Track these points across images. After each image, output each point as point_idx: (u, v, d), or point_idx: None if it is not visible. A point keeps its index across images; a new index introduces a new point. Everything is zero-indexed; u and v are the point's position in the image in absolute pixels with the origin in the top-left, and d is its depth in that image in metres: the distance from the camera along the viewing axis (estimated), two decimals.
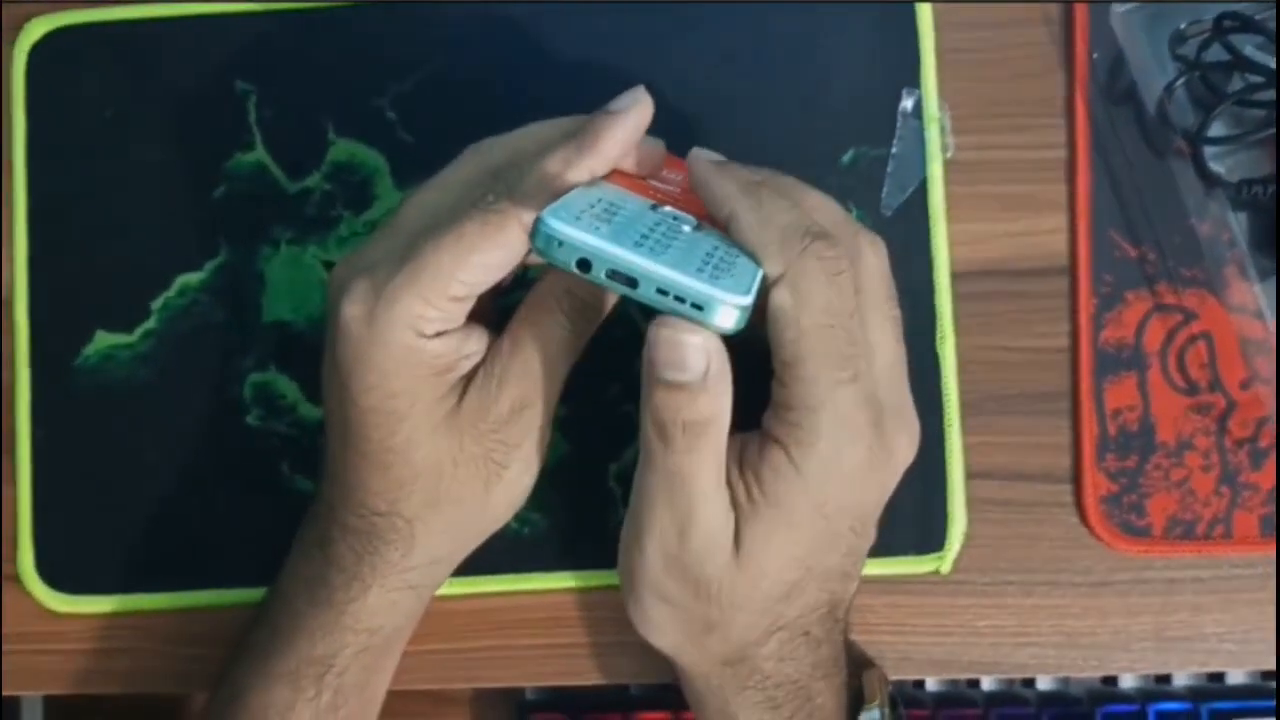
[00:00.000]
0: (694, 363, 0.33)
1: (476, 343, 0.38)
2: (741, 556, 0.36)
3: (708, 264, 0.34)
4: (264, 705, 0.39)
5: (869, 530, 0.38)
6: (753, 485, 0.36)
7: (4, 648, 0.46)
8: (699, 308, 0.32)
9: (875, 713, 0.39)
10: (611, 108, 0.37)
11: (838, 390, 0.35)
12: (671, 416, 0.34)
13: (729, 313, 0.32)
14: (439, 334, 0.36)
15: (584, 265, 0.33)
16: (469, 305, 0.37)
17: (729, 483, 0.36)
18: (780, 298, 0.34)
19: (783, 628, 0.37)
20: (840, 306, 0.35)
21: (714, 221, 0.37)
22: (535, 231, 0.33)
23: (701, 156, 0.38)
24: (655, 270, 0.32)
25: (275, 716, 0.39)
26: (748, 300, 0.33)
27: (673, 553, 0.36)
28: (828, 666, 0.38)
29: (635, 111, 0.37)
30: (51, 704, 0.56)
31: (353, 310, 0.36)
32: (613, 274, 0.33)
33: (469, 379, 0.38)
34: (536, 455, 0.39)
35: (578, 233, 0.32)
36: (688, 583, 0.36)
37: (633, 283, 0.33)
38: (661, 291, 0.32)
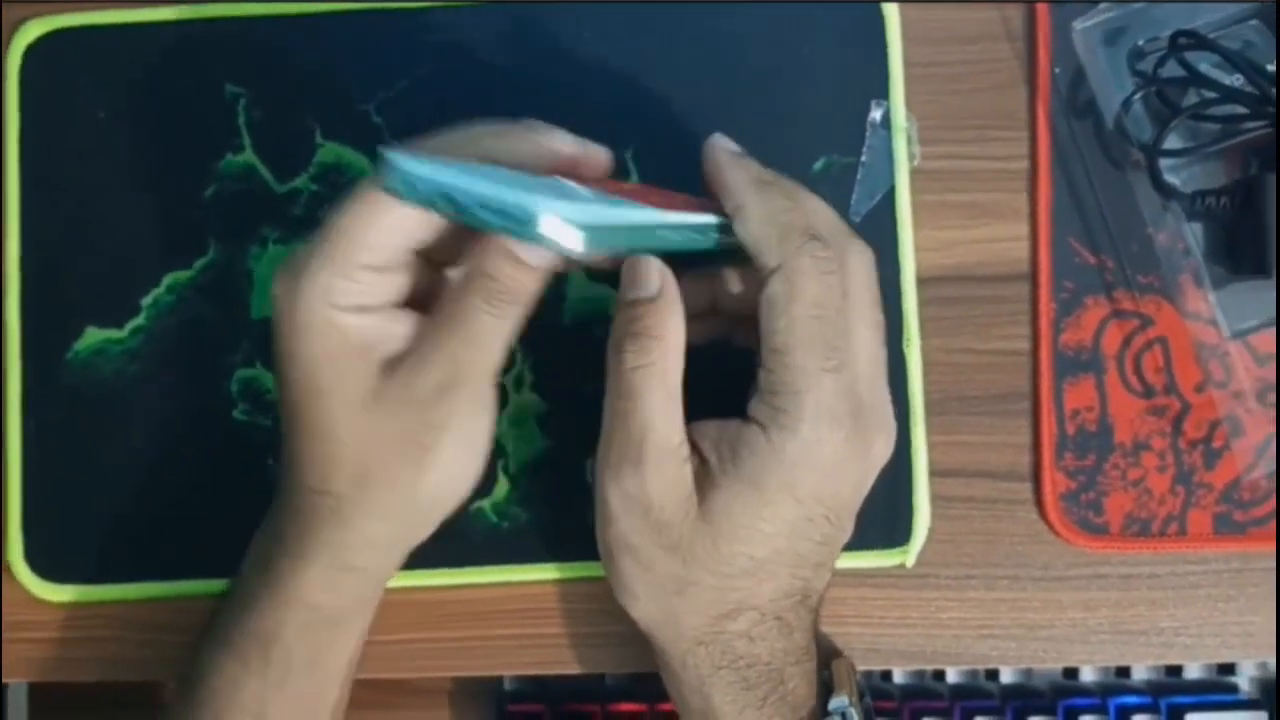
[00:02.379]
0: (649, 280, 0.37)
1: (404, 324, 0.38)
2: (705, 514, 0.37)
3: (550, 190, 0.35)
4: (216, 680, 0.40)
5: (844, 522, 0.40)
6: (726, 458, 0.37)
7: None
8: (522, 223, 0.34)
9: (844, 700, 0.40)
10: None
11: (822, 377, 0.37)
12: (624, 330, 0.37)
13: (553, 224, 0.33)
14: (359, 309, 0.37)
15: (425, 199, 0.34)
16: (391, 280, 0.38)
17: (699, 449, 0.38)
18: (775, 288, 0.37)
19: (754, 608, 0.38)
20: (828, 301, 0.37)
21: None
22: (379, 166, 0.34)
23: (720, 144, 0.39)
24: (475, 187, 0.33)
25: (226, 690, 0.40)
26: (573, 213, 0.34)
27: (633, 492, 0.37)
28: (799, 653, 0.40)
29: (557, 136, 0.39)
30: (36, 690, 0.56)
31: (277, 287, 0.37)
32: (446, 199, 0.34)
33: (399, 361, 0.38)
34: (468, 440, 0.39)
35: (414, 164, 0.33)
36: (652, 530, 0.38)
37: (455, 204, 0.34)
38: (486, 208, 0.34)
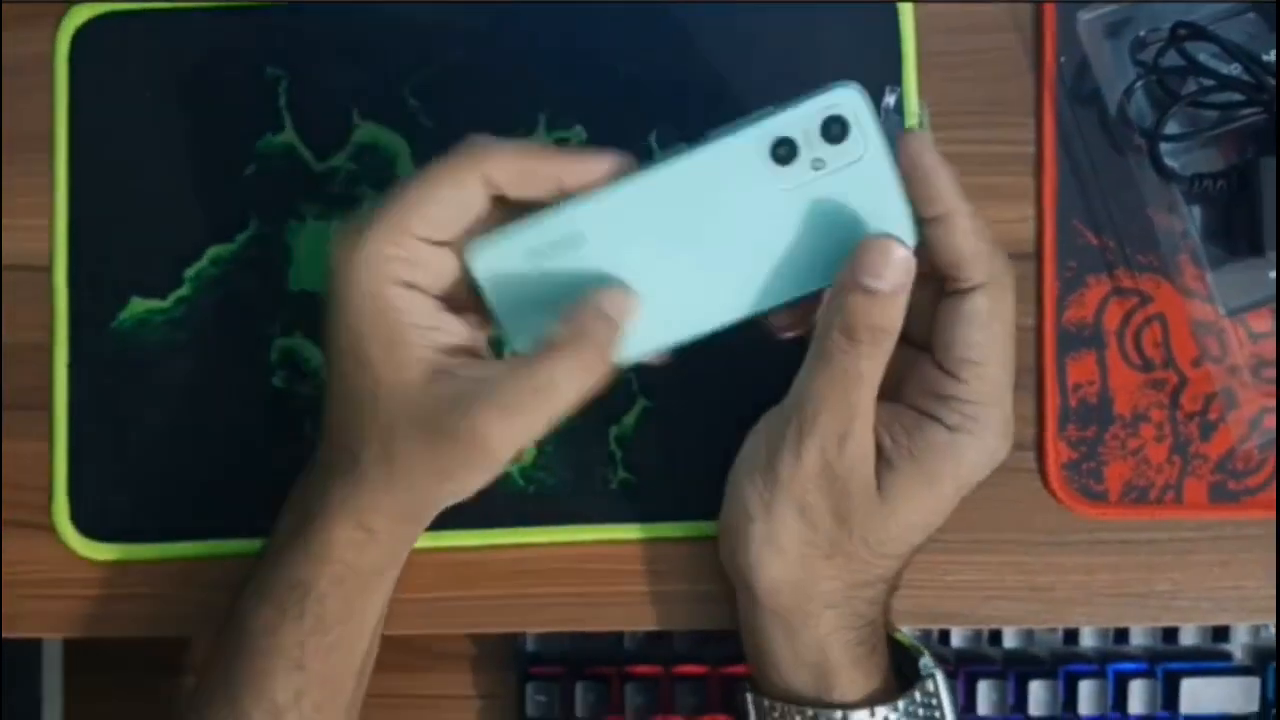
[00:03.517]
0: (896, 273, 0.37)
1: (459, 325, 0.40)
2: (883, 497, 0.39)
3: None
4: (256, 626, 0.42)
5: None
6: (903, 446, 0.39)
7: (40, 594, 0.48)
8: None
9: (930, 661, 0.43)
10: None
11: (1009, 394, 0.39)
12: (863, 320, 0.37)
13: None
14: (410, 286, 0.39)
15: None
16: (442, 264, 0.39)
17: (878, 436, 0.40)
18: (978, 303, 0.38)
19: (886, 580, 0.41)
20: (1014, 323, 0.39)
21: None
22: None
23: (928, 144, 0.38)
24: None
25: (264, 634, 0.41)
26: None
27: (830, 458, 0.39)
28: (889, 611, 0.43)
29: (618, 160, 0.39)
30: (71, 650, 0.58)
31: (335, 252, 0.39)
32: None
33: (452, 374, 0.39)
34: (492, 471, 0.40)
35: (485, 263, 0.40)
36: (833, 495, 0.39)
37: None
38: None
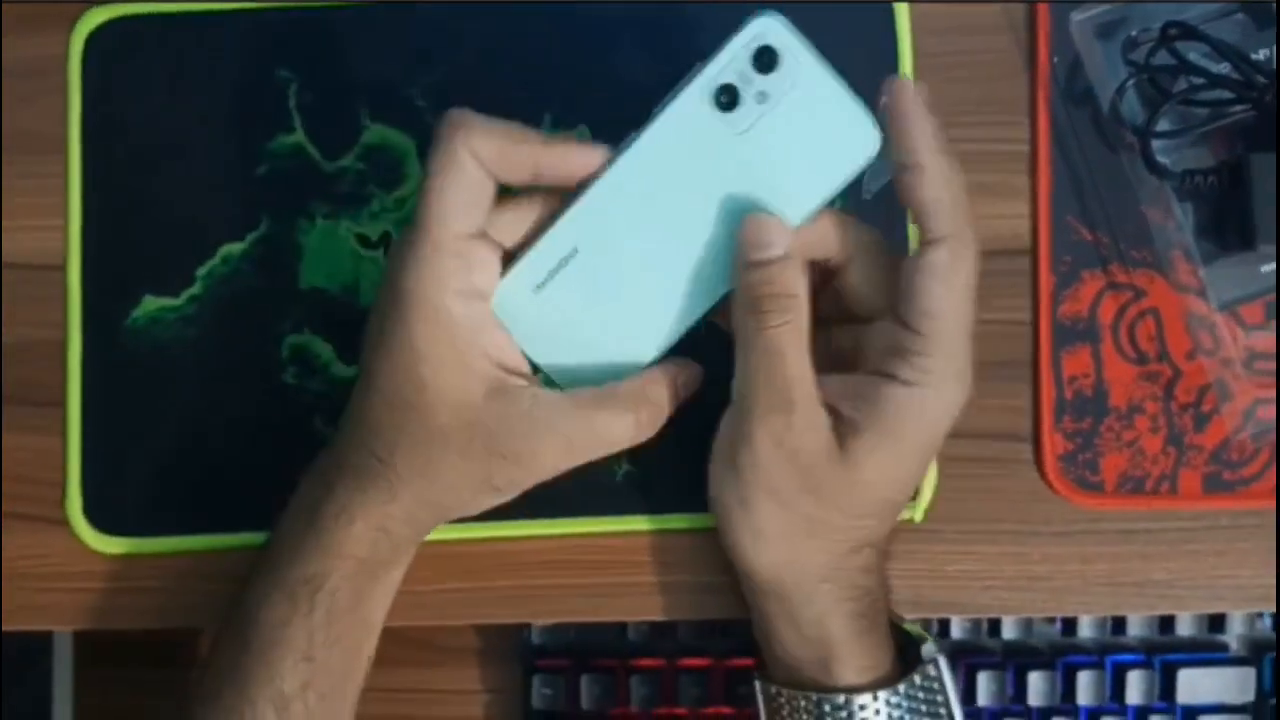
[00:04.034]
0: (774, 240, 0.39)
1: (511, 346, 0.41)
2: (846, 461, 0.40)
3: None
4: (265, 616, 0.42)
5: None
6: (863, 409, 0.40)
7: (52, 586, 0.49)
8: None
9: (934, 647, 0.43)
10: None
11: (965, 346, 0.39)
12: (762, 290, 0.39)
13: None
14: (469, 294, 0.40)
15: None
16: (485, 252, 0.40)
17: (833, 404, 0.40)
18: (940, 255, 0.38)
19: (873, 544, 0.42)
20: (974, 282, 0.39)
21: None
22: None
23: (910, 88, 0.38)
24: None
25: (274, 628, 0.42)
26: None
27: (780, 437, 0.39)
28: (886, 582, 0.44)
29: (590, 150, 0.40)
30: (80, 643, 0.59)
31: (394, 265, 0.40)
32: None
33: (515, 400, 0.40)
34: (521, 491, 0.42)
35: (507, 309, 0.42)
36: (796, 472, 0.40)
37: None
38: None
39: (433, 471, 0.41)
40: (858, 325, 0.42)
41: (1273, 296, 0.46)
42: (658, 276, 0.41)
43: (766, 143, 0.39)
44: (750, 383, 0.40)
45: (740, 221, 0.39)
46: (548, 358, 0.42)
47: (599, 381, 0.42)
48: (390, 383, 0.41)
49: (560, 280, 0.41)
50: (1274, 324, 0.47)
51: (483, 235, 0.40)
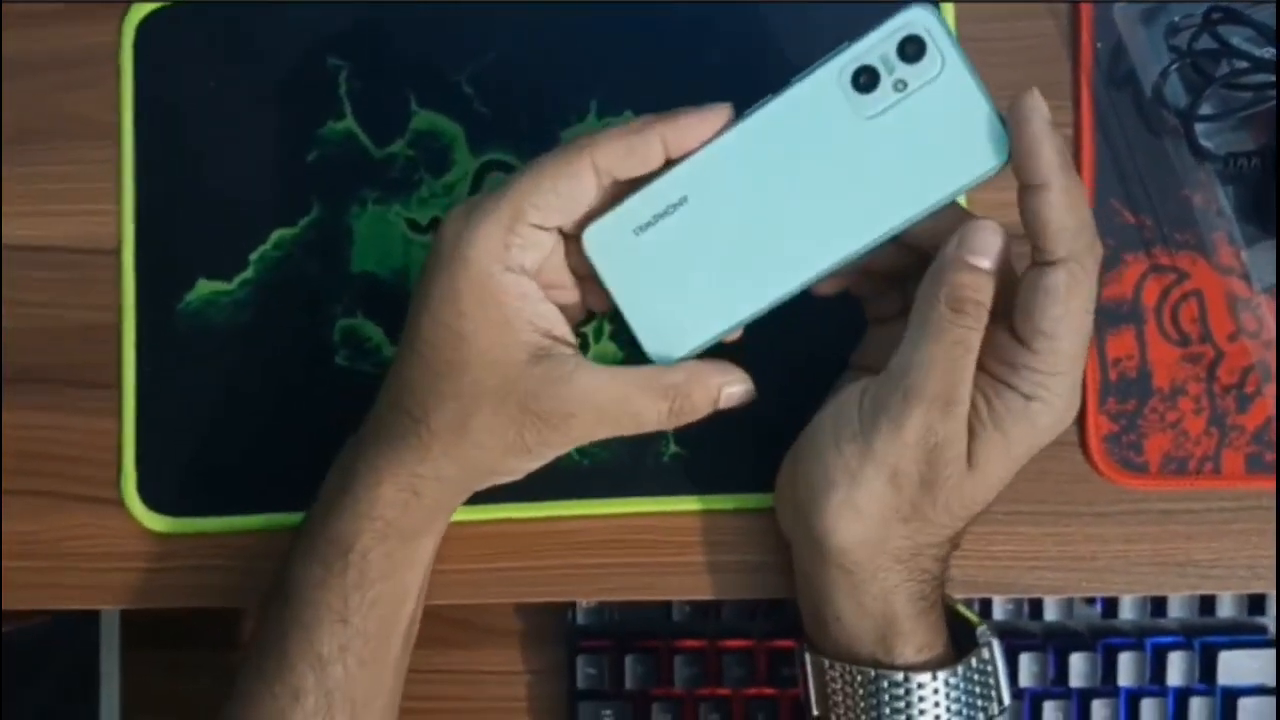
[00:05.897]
0: (993, 252, 0.39)
1: (553, 310, 0.42)
2: (974, 468, 0.40)
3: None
4: (302, 577, 0.43)
5: None
6: (984, 413, 0.40)
7: (105, 566, 0.50)
8: None
9: (986, 628, 0.44)
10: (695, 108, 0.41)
11: (1080, 365, 0.40)
12: (969, 294, 0.39)
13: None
14: (519, 270, 0.40)
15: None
16: (547, 244, 0.41)
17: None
18: (1057, 278, 0.38)
19: (952, 539, 0.43)
20: (1093, 302, 0.40)
21: None
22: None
23: (1042, 107, 0.38)
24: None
25: (310, 587, 0.43)
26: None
27: (934, 425, 0.40)
28: (949, 568, 0.44)
29: (714, 112, 0.40)
30: (127, 623, 0.60)
31: (447, 228, 0.41)
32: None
33: (558, 364, 0.41)
34: (548, 459, 0.43)
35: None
36: (926, 462, 0.40)
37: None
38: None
39: (463, 426, 0.41)
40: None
41: None
42: (760, 240, 0.41)
43: (893, 132, 0.39)
44: (924, 368, 0.40)
45: (910, 208, 0.39)
46: (631, 300, 0.42)
47: (678, 334, 0.42)
48: (430, 343, 0.41)
49: (663, 226, 0.41)
50: None
51: (548, 231, 0.41)
